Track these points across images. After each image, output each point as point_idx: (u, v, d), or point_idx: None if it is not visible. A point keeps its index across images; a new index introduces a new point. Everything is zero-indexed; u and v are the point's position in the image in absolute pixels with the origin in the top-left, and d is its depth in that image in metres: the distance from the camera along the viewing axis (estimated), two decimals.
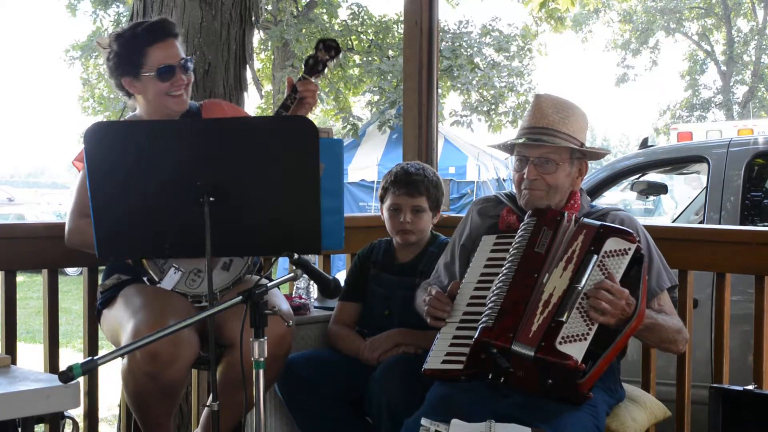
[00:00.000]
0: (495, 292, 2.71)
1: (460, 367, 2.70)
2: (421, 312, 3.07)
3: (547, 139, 2.87)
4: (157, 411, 2.95)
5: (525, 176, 2.90)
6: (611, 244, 2.69)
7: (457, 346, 2.73)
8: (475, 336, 2.65)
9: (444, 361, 2.73)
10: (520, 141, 2.91)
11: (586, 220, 2.80)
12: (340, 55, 3.14)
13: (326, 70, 3.12)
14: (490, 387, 2.69)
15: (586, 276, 2.62)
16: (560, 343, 2.54)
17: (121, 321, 2.97)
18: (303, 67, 3.11)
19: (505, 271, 2.75)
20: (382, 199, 3.54)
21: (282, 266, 8.44)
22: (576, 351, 2.54)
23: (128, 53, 3.13)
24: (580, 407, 2.62)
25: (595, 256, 2.66)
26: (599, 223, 2.77)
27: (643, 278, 2.70)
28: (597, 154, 3.06)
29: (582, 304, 2.60)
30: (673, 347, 2.92)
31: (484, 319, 2.66)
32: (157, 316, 2.85)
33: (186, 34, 4.13)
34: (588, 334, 2.57)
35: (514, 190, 3.02)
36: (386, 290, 3.47)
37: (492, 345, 2.61)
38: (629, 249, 2.69)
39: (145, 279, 3.09)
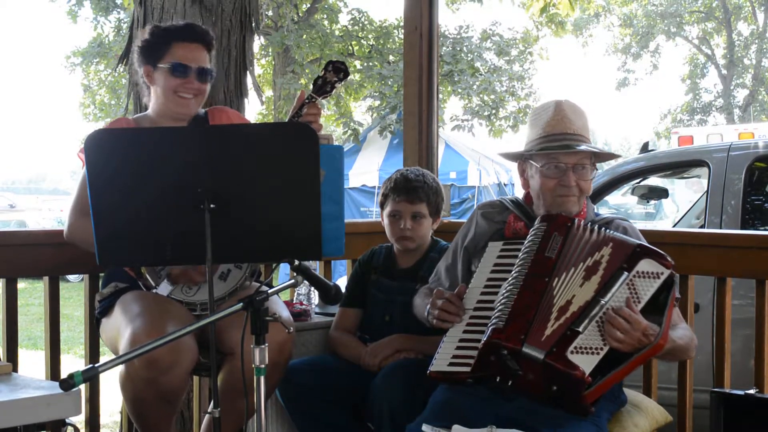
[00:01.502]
0: (505, 294, 2.71)
1: (467, 369, 2.69)
2: (420, 317, 3.07)
3: (585, 147, 2.88)
4: (157, 417, 2.95)
5: (563, 183, 2.88)
6: (645, 265, 2.65)
7: (464, 349, 2.73)
8: (485, 337, 2.64)
9: (451, 364, 2.72)
10: (579, 148, 2.87)
11: (616, 234, 2.77)
12: (348, 78, 3.18)
13: (334, 91, 3.15)
14: (495, 391, 2.69)
15: (612, 291, 2.60)
16: (572, 352, 2.53)
17: (119, 328, 2.97)
18: (312, 86, 3.13)
19: (515, 275, 2.74)
20: (382, 206, 3.54)
21: (283, 272, 8.44)
22: (586, 363, 2.52)
23: (156, 42, 3.21)
24: None
25: (626, 274, 2.63)
26: (636, 241, 2.73)
27: (670, 305, 2.65)
28: (611, 155, 3.09)
29: (602, 318, 2.58)
30: (684, 357, 2.92)
31: (494, 320, 2.65)
32: (155, 322, 2.86)
33: None
34: (601, 349, 2.55)
35: (543, 196, 2.93)
36: (387, 296, 3.47)
37: (503, 346, 2.60)
38: (662, 273, 2.65)
39: (140, 284, 3.10)
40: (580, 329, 2.56)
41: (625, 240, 2.74)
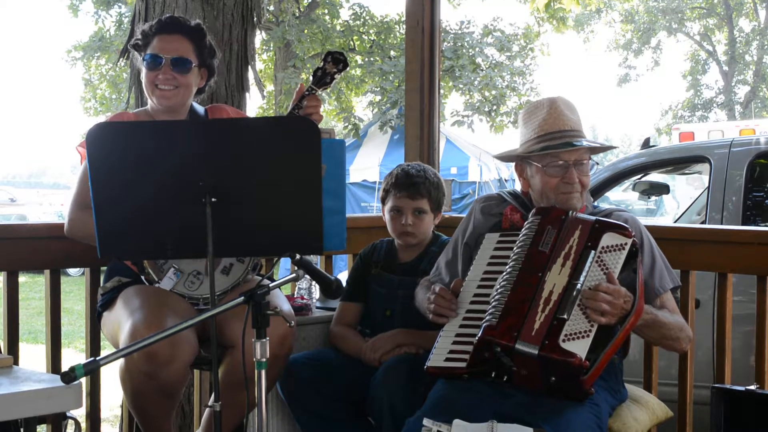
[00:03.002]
0: (498, 290, 2.71)
1: (463, 365, 2.70)
2: (421, 309, 3.07)
3: (585, 142, 2.89)
4: (156, 411, 2.95)
5: (566, 180, 2.87)
6: (608, 239, 2.69)
7: (461, 344, 2.73)
8: (479, 334, 2.64)
9: (447, 359, 2.73)
10: (581, 144, 2.88)
11: (580, 215, 2.80)
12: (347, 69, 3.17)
13: (333, 83, 3.14)
14: (493, 386, 2.70)
15: (584, 272, 2.63)
16: (563, 340, 2.55)
17: (119, 322, 2.97)
18: (311, 78, 3.12)
19: (509, 270, 2.74)
20: (383, 201, 3.54)
21: (283, 267, 8.44)
22: (579, 348, 2.54)
23: (143, 38, 3.23)
24: (583, 407, 2.63)
25: (593, 252, 2.66)
26: (594, 218, 2.77)
27: (639, 272, 2.70)
28: (608, 148, 3.12)
29: (583, 301, 2.60)
30: (676, 345, 2.92)
31: (487, 317, 2.66)
32: (155, 316, 2.86)
33: None
34: (590, 331, 2.58)
35: (546, 195, 2.92)
36: (388, 290, 3.47)
37: (496, 344, 2.61)
38: (626, 244, 2.69)
39: (143, 278, 3.10)
40: (565, 316, 2.58)
41: (585, 219, 2.76)
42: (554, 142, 2.88)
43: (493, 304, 2.68)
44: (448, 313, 2.81)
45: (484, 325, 2.65)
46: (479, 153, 14.62)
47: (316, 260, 3.68)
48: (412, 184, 3.43)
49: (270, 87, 18.11)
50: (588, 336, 2.57)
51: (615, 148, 3.39)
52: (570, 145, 2.87)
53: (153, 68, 3.16)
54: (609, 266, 2.66)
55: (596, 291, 2.59)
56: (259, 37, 16.94)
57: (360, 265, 3.60)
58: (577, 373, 2.55)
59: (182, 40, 3.19)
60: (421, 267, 3.41)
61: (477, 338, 2.65)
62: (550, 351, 2.54)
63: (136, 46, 3.27)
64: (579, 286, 2.61)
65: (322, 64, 3.10)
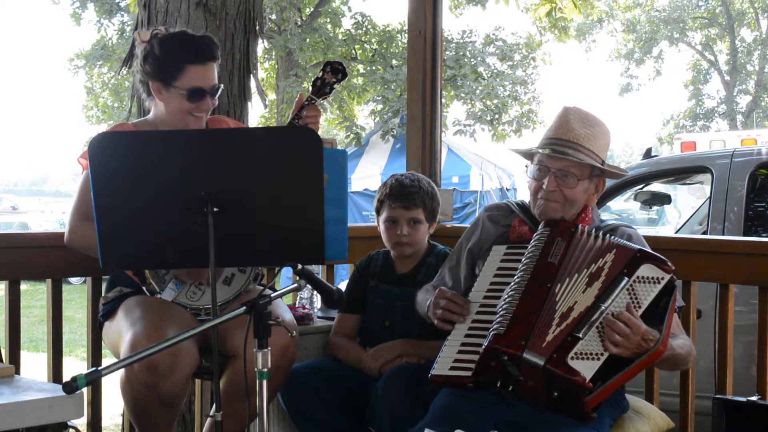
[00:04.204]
0: (507, 300, 2.70)
1: (468, 374, 2.69)
2: (422, 312, 3.06)
3: (573, 154, 2.85)
4: (157, 421, 2.95)
5: (544, 186, 2.88)
6: (645, 270, 2.63)
7: (466, 353, 2.72)
8: (486, 342, 2.63)
9: (452, 368, 2.72)
10: (546, 152, 2.88)
11: (620, 240, 2.76)
12: (346, 79, 3.17)
13: (332, 92, 3.14)
14: (496, 396, 2.69)
15: (612, 297, 2.59)
16: (572, 358, 2.53)
17: (120, 332, 2.97)
18: (311, 88, 3.12)
19: (517, 280, 2.74)
20: (378, 212, 3.52)
21: (285, 275, 8.43)
22: (586, 369, 2.52)
23: (167, 62, 3.11)
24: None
25: (626, 279, 2.62)
26: (637, 246, 2.72)
27: (671, 311, 2.64)
28: (617, 174, 3.05)
29: (603, 324, 2.57)
30: (683, 367, 2.92)
31: (495, 326, 2.65)
32: (155, 327, 2.85)
33: None
34: (602, 355, 2.55)
35: (529, 198, 2.99)
36: (386, 301, 3.46)
37: (503, 352, 2.60)
38: (662, 278, 2.63)
39: (144, 289, 3.10)
40: (581, 335, 2.56)
41: (626, 245, 2.73)
42: (545, 149, 2.90)
43: (501, 313, 2.68)
44: (458, 318, 2.79)
45: (492, 333, 2.64)
46: (481, 162, 14.63)
47: (318, 269, 3.68)
48: (407, 195, 3.42)
49: (272, 96, 18.16)
50: (598, 359, 2.54)
51: (621, 175, 3.18)
52: (554, 151, 2.87)
53: (195, 100, 3.10)
54: (639, 297, 2.60)
55: (615, 320, 2.54)
56: (261, 45, 16.99)
57: (357, 276, 3.60)
58: (579, 393, 2.52)
59: (212, 66, 3.14)
60: (418, 278, 3.40)
61: (484, 346, 2.63)
62: (555, 365, 2.53)
63: (157, 65, 3.12)
64: (603, 308, 2.58)
65: (321, 74, 3.11)
